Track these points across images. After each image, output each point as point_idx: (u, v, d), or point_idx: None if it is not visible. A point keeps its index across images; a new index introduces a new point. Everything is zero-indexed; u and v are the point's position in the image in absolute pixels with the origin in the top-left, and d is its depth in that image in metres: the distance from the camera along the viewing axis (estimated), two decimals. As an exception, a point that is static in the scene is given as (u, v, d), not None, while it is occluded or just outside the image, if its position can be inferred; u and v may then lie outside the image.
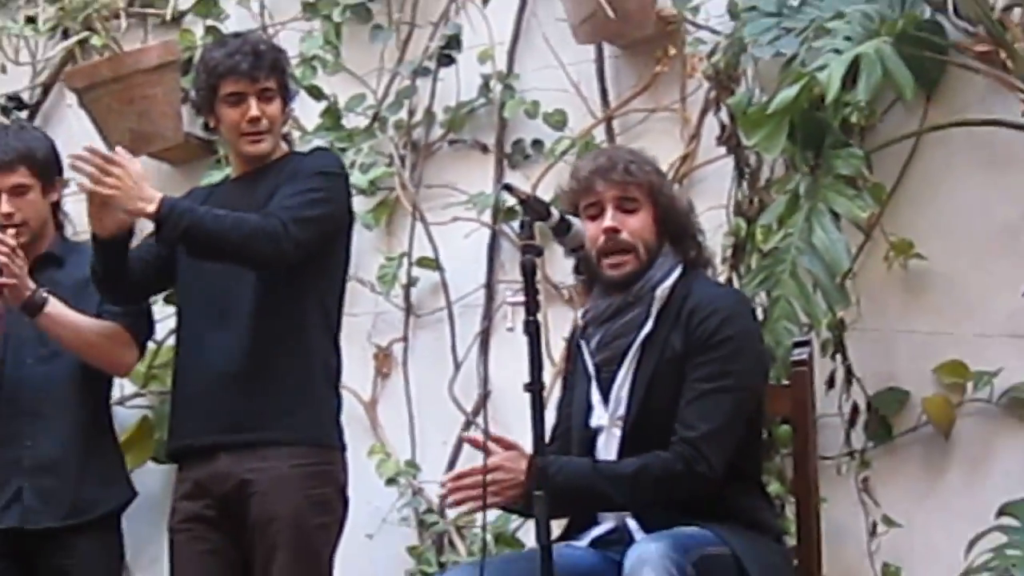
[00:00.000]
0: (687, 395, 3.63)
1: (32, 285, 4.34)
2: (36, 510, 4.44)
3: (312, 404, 4.23)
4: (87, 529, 4.50)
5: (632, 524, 3.61)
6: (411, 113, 5.24)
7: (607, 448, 3.76)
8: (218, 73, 4.28)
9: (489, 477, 3.52)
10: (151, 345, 4.88)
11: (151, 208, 3.96)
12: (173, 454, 4.37)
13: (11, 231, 4.56)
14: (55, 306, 4.38)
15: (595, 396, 3.80)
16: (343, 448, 4.28)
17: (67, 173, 4.59)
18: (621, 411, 3.74)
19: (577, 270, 3.97)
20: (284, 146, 4.49)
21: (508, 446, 3.57)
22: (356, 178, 4.97)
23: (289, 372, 4.20)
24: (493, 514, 4.52)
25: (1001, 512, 4.05)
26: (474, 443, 3.77)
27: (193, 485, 4.20)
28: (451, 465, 4.94)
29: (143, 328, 4.58)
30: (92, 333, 4.47)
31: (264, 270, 4.14)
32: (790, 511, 4.08)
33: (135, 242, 4.47)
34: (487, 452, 3.60)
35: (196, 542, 4.19)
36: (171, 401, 4.46)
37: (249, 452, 4.10)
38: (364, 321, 5.14)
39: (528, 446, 3.41)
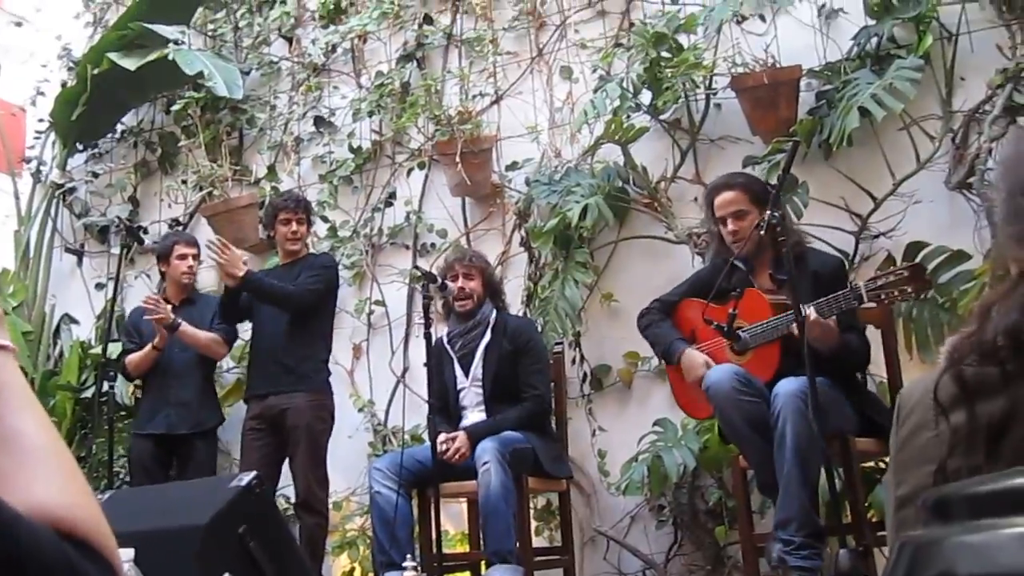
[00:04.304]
0: (523, 373, 4.19)
1: (172, 316, 4.77)
2: (175, 424, 4.84)
3: (316, 373, 4.67)
4: (200, 436, 4.89)
5: (482, 432, 4.04)
6: (371, 230, 5.63)
7: (468, 396, 4.25)
8: (277, 208, 4.83)
9: (462, 450, 3.98)
10: (241, 344, 5.18)
11: (242, 273, 4.50)
12: (246, 398, 4.77)
13: (155, 292, 5.15)
14: (185, 326, 4.80)
15: (458, 372, 4.28)
16: (331, 393, 4.71)
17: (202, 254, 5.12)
18: (479, 378, 4.23)
19: (445, 305, 4.44)
20: (305, 250, 4.90)
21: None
22: (344, 262, 5.37)
23: (305, 358, 4.64)
24: (409, 423, 4.97)
25: (655, 424, 4.58)
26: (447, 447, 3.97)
27: (256, 412, 4.62)
28: (389, 402, 5.29)
29: (230, 337, 5.00)
30: (204, 339, 4.88)
31: (292, 312, 4.62)
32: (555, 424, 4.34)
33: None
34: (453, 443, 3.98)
35: (255, 440, 4.60)
36: (247, 370, 4.88)
37: (285, 395, 4.56)
38: (347, 331, 5.41)
39: (425, 392, 4.04)
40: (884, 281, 3.20)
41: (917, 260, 4.29)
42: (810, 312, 3.24)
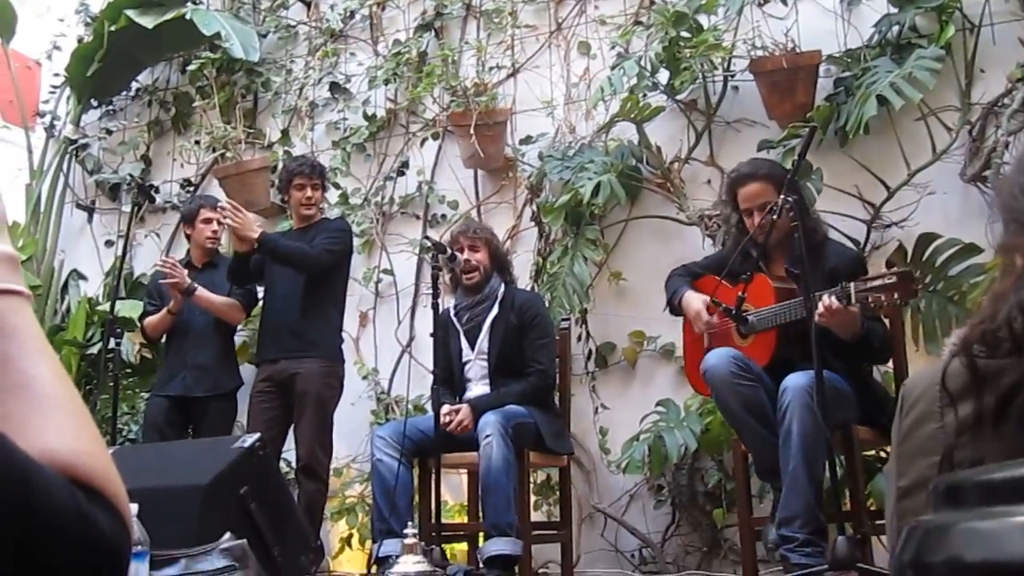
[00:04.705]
0: (529, 348, 4.16)
1: (188, 280, 4.75)
2: (191, 387, 4.82)
3: (329, 339, 4.65)
4: (218, 398, 4.86)
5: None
6: (383, 198, 5.64)
7: (473, 369, 4.25)
8: (292, 172, 4.78)
9: (465, 422, 3.99)
10: (253, 307, 5.08)
11: (256, 235, 4.47)
12: (258, 361, 4.76)
13: (172, 256, 5.08)
14: (200, 291, 4.77)
15: (464, 344, 4.29)
16: (343, 361, 4.71)
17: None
18: (484, 351, 4.22)
19: (453, 278, 4.39)
20: (319, 215, 4.86)
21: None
22: (354, 229, 5.22)
23: (317, 323, 4.61)
24: (412, 393, 5.05)
25: (658, 404, 4.62)
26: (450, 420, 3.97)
27: (266, 375, 4.62)
28: (393, 371, 5.31)
29: (248, 302, 4.95)
30: (221, 304, 4.86)
31: (309, 273, 4.57)
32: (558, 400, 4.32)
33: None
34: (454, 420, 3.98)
35: (263, 403, 4.60)
36: (258, 334, 4.86)
37: (296, 360, 4.54)
38: (355, 299, 5.30)
39: (430, 363, 4.08)
40: (871, 285, 3.19)
41: (927, 252, 4.31)
42: (831, 300, 3.22)
